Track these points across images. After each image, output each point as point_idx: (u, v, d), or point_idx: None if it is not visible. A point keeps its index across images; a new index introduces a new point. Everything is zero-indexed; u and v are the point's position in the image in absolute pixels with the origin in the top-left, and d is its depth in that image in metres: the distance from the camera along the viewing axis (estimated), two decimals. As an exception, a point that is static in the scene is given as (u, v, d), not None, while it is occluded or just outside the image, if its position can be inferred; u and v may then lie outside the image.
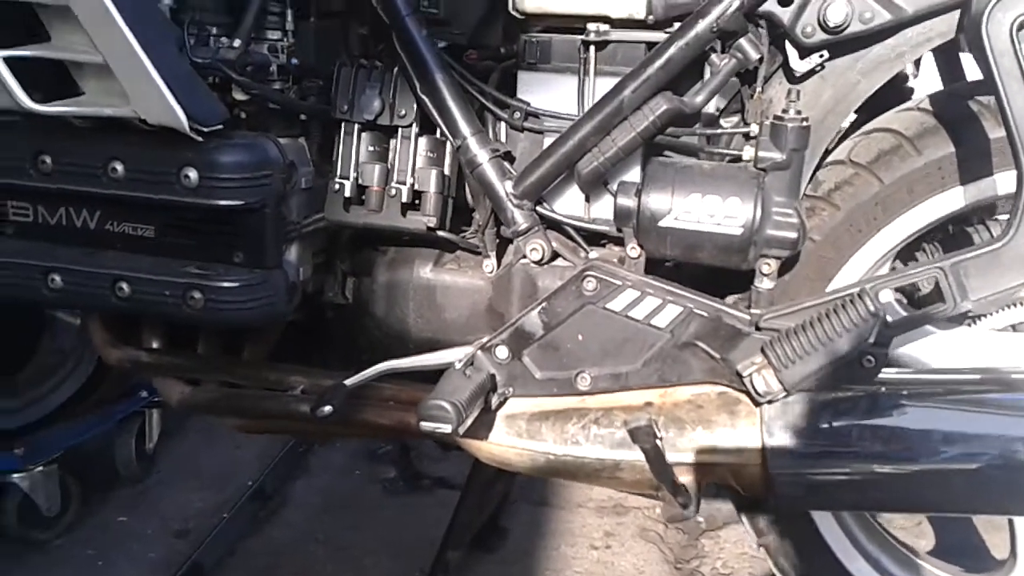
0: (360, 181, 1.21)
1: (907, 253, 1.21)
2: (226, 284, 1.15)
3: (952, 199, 1.10)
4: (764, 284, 1.07)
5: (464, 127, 1.15)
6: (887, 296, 1.03)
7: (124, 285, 1.18)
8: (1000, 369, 1.08)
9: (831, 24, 1.03)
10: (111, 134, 1.14)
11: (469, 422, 1.07)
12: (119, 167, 1.14)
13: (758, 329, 1.06)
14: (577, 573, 1.65)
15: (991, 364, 1.10)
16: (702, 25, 1.04)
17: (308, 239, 1.24)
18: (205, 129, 1.09)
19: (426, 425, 1.04)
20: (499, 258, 1.23)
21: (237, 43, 1.17)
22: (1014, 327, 1.15)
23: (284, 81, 1.22)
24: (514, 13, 1.15)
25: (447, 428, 1.04)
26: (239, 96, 1.20)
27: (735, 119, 1.16)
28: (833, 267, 1.15)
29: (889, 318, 0.99)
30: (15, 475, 1.59)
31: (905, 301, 1.07)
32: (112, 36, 1.05)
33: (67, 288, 1.20)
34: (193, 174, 1.11)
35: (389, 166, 1.21)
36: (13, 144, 1.16)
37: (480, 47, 1.22)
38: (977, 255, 0.99)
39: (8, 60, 1.07)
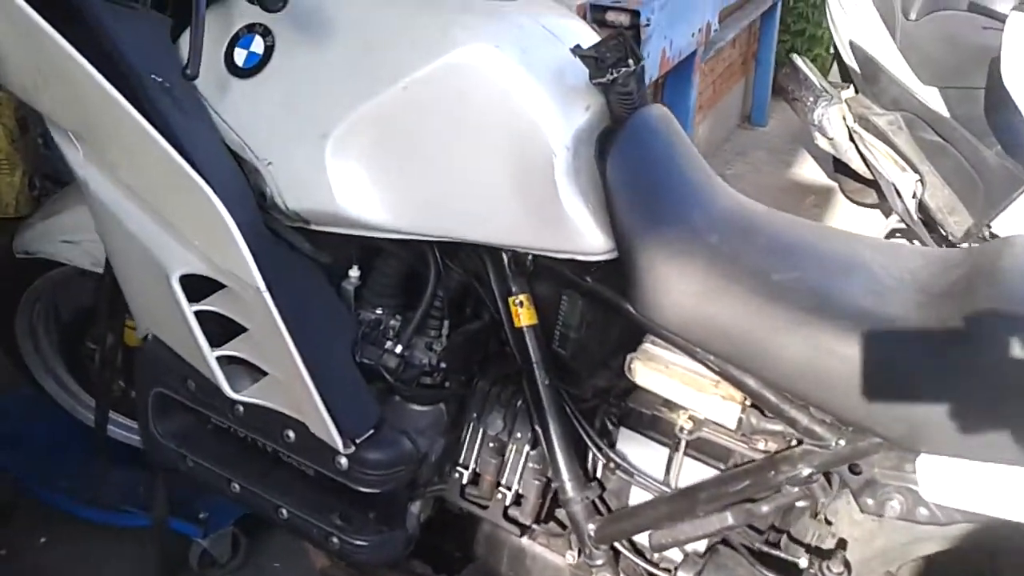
0: (477, 470, 1.45)
1: None
2: (358, 541, 1.44)
3: None
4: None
5: (565, 470, 1.34)
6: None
7: (284, 511, 1.49)
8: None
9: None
10: None
11: None
12: (291, 434, 1.41)
13: None
14: None
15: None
16: (777, 477, 1.18)
17: (430, 498, 1.50)
18: (356, 441, 1.35)
19: None
20: (579, 552, 1.44)
21: (399, 348, 1.37)
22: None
23: (432, 376, 1.42)
24: (627, 375, 1.32)
25: None
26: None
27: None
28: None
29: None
30: (198, 538, 2.01)
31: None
32: (285, 362, 1.29)
33: (243, 496, 1.53)
34: (344, 461, 1.37)
35: (502, 464, 1.43)
36: (215, 392, 1.46)
37: (594, 387, 1.39)
38: None
39: (218, 358, 1.37)
